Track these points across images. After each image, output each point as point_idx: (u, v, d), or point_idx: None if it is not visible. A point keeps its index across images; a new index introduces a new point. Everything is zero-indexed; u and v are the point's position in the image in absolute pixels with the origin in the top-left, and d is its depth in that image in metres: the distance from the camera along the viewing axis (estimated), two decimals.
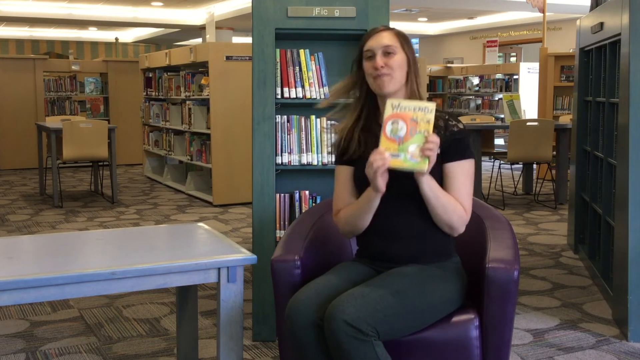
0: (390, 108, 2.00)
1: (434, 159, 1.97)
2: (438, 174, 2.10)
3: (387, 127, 1.99)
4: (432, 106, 1.99)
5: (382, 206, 2.09)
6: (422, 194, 2.05)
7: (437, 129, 2.09)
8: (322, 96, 3.10)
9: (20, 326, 3.42)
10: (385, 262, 2.16)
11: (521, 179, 7.89)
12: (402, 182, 2.07)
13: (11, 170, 9.95)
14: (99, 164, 7.56)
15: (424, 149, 1.95)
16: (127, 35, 19.92)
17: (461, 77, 12.72)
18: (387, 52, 2.13)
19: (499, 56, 14.70)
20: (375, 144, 2.14)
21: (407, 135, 1.98)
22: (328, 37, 3.19)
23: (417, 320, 2.02)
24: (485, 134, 7.57)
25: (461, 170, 2.11)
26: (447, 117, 2.15)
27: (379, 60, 2.12)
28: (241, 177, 6.70)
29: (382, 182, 2.00)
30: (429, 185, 2.03)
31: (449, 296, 2.10)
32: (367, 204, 2.10)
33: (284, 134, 3.10)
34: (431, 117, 1.98)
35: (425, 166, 1.97)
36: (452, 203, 2.08)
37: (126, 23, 15.86)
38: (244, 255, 2.22)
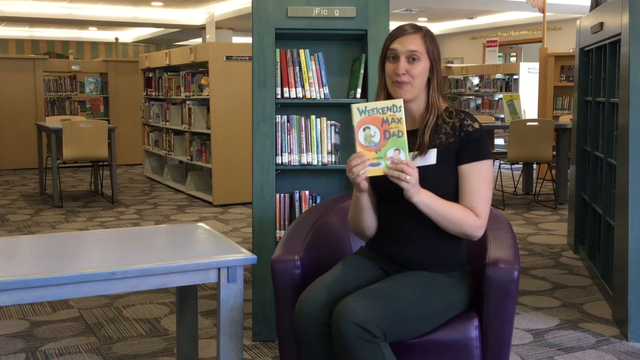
0: (357, 114, 1.94)
1: (412, 182, 1.93)
2: (454, 177, 2.09)
3: (360, 136, 1.94)
4: (399, 103, 1.95)
5: (396, 210, 2.09)
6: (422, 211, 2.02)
7: (452, 129, 2.09)
8: (322, 96, 3.10)
9: (20, 326, 3.42)
10: (395, 264, 2.15)
11: (521, 179, 7.90)
12: (420, 184, 2.04)
13: (11, 170, 9.95)
14: (99, 164, 7.56)
15: (390, 175, 1.93)
16: (127, 35, 19.91)
17: (461, 77, 12.72)
18: (412, 58, 2.07)
19: (499, 56, 14.69)
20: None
21: (382, 140, 1.94)
22: (328, 37, 3.19)
23: (422, 325, 2.02)
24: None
25: (475, 173, 2.07)
26: (462, 116, 2.12)
27: (402, 66, 2.07)
28: (241, 177, 6.70)
29: (363, 184, 1.99)
30: (423, 204, 2.00)
31: (453, 303, 2.10)
32: (357, 204, 2.11)
33: (284, 134, 3.10)
34: (401, 115, 1.93)
35: None
36: (458, 212, 2.04)
37: (126, 23, 15.85)
38: (244, 255, 2.22)
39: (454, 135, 2.09)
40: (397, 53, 2.09)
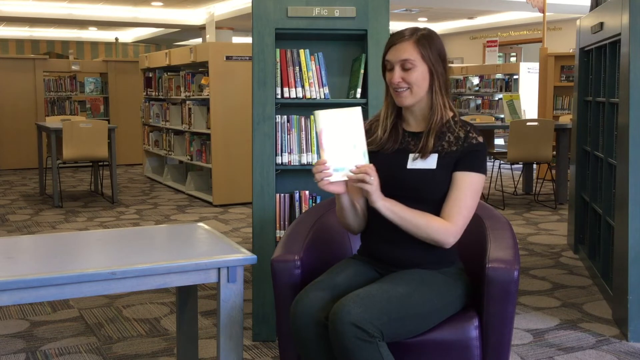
0: (319, 120, 2.00)
1: (375, 184, 1.98)
2: (447, 181, 2.10)
3: (323, 140, 2.00)
4: (357, 110, 2.01)
5: None
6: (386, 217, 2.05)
7: (455, 138, 2.10)
8: (322, 96, 3.10)
9: (20, 326, 3.42)
10: (388, 265, 2.16)
11: (521, 179, 7.89)
12: (406, 187, 2.08)
13: (11, 170, 9.95)
14: (99, 164, 7.56)
15: (352, 178, 1.98)
16: (127, 35, 19.90)
17: (461, 77, 12.72)
18: (406, 67, 2.08)
19: (499, 56, 14.68)
20: (395, 141, 2.15)
21: (344, 145, 2.00)
22: (328, 37, 3.19)
23: (420, 324, 2.02)
24: (485, 134, 7.57)
25: (466, 182, 2.07)
26: (468, 128, 2.13)
27: (397, 75, 2.09)
28: (241, 177, 6.70)
29: (334, 188, 2.03)
30: (387, 209, 2.03)
31: (450, 301, 2.10)
32: (337, 203, 2.15)
33: (284, 134, 3.10)
34: (359, 121, 2.00)
35: None
36: (424, 218, 2.05)
37: (126, 23, 15.84)
38: (244, 255, 2.22)
39: (456, 145, 2.10)
40: (391, 64, 2.11)
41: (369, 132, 2.21)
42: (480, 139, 2.12)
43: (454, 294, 2.12)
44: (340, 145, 1.99)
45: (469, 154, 2.09)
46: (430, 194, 2.09)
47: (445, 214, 2.07)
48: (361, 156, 2.00)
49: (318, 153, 2.01)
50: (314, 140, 3.10)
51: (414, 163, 2.11)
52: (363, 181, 1.98)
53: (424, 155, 2.10)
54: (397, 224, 2.05)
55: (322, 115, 2.00)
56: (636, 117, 3.16)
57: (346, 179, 2.01)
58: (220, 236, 2.49)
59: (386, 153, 2.16)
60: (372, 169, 1.98)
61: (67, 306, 3.72)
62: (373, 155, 2.16)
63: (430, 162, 2.10)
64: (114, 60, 11.06)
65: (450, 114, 2.15)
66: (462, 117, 2.23)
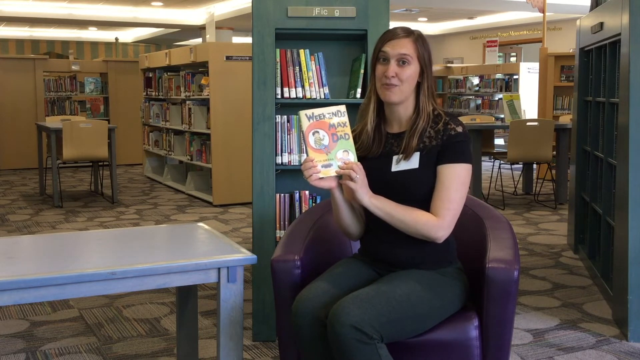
0: (306, 119, 2.02)
1: (360, 182, 2.00)
2: (433, 177, 2.09)
3: (310, 140, 2.02)
4: (342, 108, 2.04)
5: None
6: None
7: (435, 132, 2.10)
8: (322, 96, 3.10)
9: (20, 326, 3.42)
10: (387, 265, 2.16)
11: (521, 179, 7.90)
12: (393, 189, 2.09)
13: (11, 170, 9.95)
14: (99, 164, 7.56)
15: (341, 174, 2.00)
16: (127, 35, 19.90)
17: (461, 77, 12.72)
18: (402, 61, 2.09)
19: (499, 56, 14.68)
20: (379, 145, 2.16)
21: (331, 143, 2.02)
22: (328, 37, 3.19)
23: (419, 325, 2.02)
24: (485, 134, 7.58)
25: (450, 174, 2.06)
26: (447, 119, 2.12)
27: (392, 69, 2.08)
28: (241, 177, 6.70)
29: (325, 184, 2.04)
30: (374, 206, 2.04)
31: (449, 301, 2.10)
32: (332, 200, 2.16)
33: (284, 134, 3.10)
34: (345, 119, 2.03)
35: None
36: (412, 215, 2.05)
37: (126, 23, 15.84)
38: (244, 255, 2.22)
39: (436, 139, 2.10)
40: (387, 56, 2.10)
41: (355, 139, 2.21)
42: (460, 129, 2.10)
43: (453, 293, 2.11)
44: (327, 142, 2.02)
45: (450, 145, 2.08)
46: (417, 193, 2.09)
47: (433, 209, 2.07)
48: (348, 152, 2.02)
49: (306, 151, 2.02)
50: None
51: (398, 165, 2.12)
52: (349, 177, 1.99)
53: (407, 156, 2.10)
54: (386, 220, 2.06)
55: (306, 114, 2.02)
56: (636, 117, 3.16)
57: (335, 174, 2.02)
58: (220, 236, 2.49)
59: (371, 157, 2.17)
60: (358, 167, 2.00)
61: (67, 306, 3.72)
62: (360, 160, 2.17)
63: (413, 161, 2.10)
64: (114, 60, 11.06)
65: (431, 107, 2.15)
66: (460, 117, 2.23)
